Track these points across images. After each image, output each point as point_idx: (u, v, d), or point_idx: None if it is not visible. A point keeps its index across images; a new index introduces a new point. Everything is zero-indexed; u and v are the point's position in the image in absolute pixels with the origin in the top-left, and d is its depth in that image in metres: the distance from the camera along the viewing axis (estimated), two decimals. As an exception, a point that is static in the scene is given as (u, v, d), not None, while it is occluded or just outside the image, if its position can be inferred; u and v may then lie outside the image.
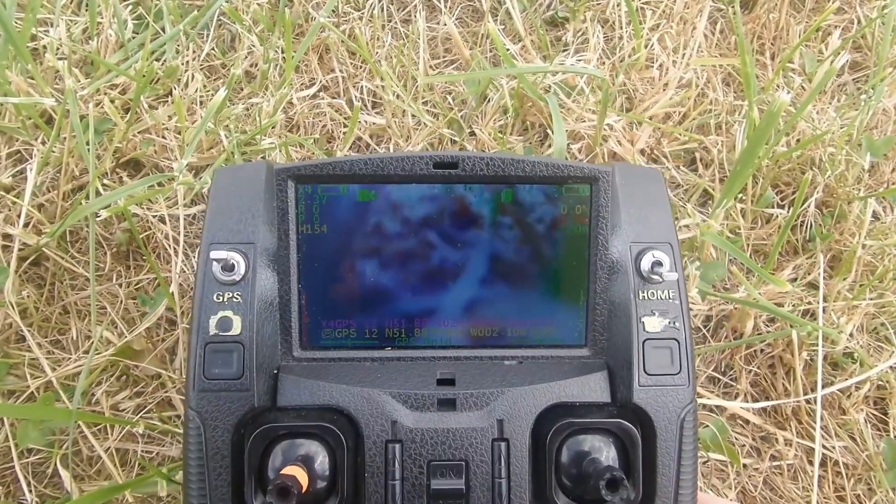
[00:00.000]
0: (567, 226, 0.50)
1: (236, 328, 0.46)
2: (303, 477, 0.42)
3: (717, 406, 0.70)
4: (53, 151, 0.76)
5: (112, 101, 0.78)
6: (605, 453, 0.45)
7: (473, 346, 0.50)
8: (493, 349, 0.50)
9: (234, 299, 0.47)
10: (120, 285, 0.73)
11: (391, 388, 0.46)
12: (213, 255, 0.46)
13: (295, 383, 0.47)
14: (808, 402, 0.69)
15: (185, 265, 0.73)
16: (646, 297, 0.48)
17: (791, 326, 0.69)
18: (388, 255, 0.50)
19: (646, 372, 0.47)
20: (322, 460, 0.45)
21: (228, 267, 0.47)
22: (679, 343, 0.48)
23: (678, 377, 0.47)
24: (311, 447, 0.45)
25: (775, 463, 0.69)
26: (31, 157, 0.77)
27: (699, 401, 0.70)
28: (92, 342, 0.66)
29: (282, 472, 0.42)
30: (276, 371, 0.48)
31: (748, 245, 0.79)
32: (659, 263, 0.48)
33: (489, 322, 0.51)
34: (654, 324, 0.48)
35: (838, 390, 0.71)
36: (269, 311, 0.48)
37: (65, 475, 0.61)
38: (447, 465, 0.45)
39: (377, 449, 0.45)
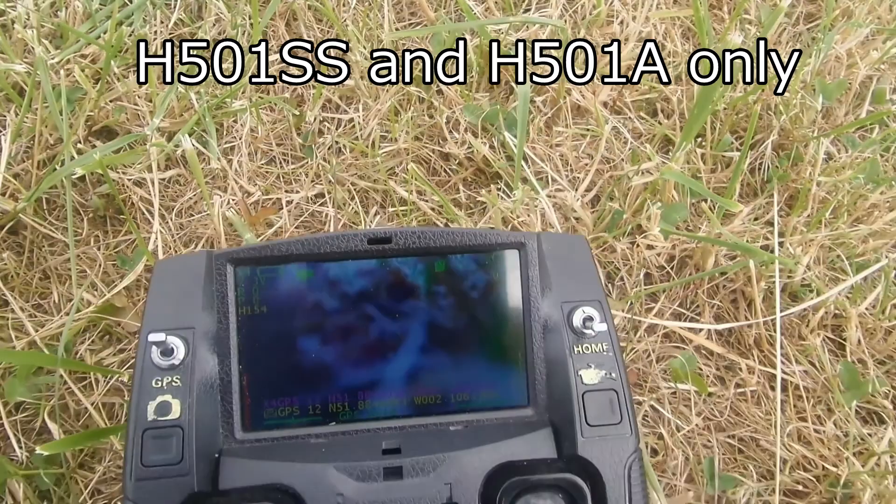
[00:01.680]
0: (500, 291, 0.52)
1: (175, 412, 0.46)
2: None
3: (683, 339, 0.73)
4: (25, 121, 0.77)
5: (83, 70, 0.79)
6: None
7: (418, 414, 0.51)
8: (437, 416, 0.51)
9: (174, 383, 0.47)
10: (98, 248, 0.74)
11: (336, 462, 0.46)
12: (152, 338, 0.46)
13: (237, 465, 0.46)
14: (767, 330, 0.72)
15: (162, 226, 0.75)
16: (581, 352, 0.51)
17: (749, 258, 0.72)
18: (328, 331, 0.51)
19: (588, 423, 0.48)
20: None
21: (167, 351, 0.47)
22: (618, 393, 0.49)
23: (620, 426, 0.48)
24: None
25: (739, 390, 0.72)
26: (4, 128, 0.78)
27: (666, 329, 0.73)
28: (73, 302, 0.68)
29: None
30: (217, 455, 0.47)
31: (708, 188, 0.81)
32: (590, 318, 0.51)
33: (432, 390, 0.51)
34: (591, 376, 0.50)
35: (797, 319, 0.75)
36: (209, 394, 0.48)
37: (53, 427, 0.63)
38: None
39: None
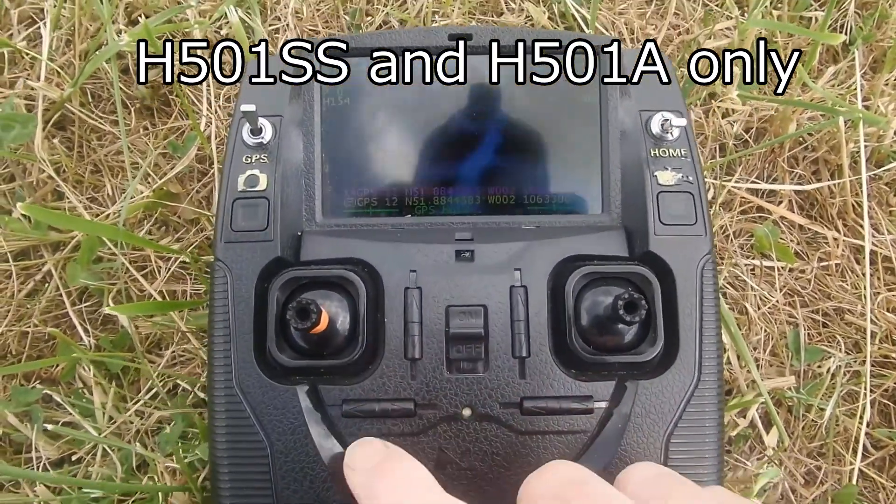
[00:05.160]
0: (577, 94, 0.51)
1: (262, 184, 0.48)
2: (324, 317, 0.42)
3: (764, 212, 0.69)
4: (63, 10, 0.74)
5: (118, -48, 0.75)
6: None
7: (491, 213, 0.50)
8: (510, 216, 0.50)
9: (262, 160, 0.49)
10: (147, 138, 0.72)
11: (411, 243, 0.47)
12: (244, 108, 0.47)
13: (317, 241, 0.48)
14: (854, 196, 0.68)
15: (211, 113, 0.72)
16: (657, 155, 0.49)
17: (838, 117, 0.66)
18: (407, 127, 0.51)
19: (661, 222, 0.47)
20: (343, 308, 0.46)
21: (257, 131, 0.49)
22: (693, 196, 0.48)
23: (695, 227, 0.47)
24: (333, 296, 0.46)
25: (823, 263, 0.68)
26: (44, 17, 0.75)
27: (743, 205, 0.69)
28: (127, 193, 0.66)
29: None
30: (299, 234, 0.49)
31: (786, 54, 0.76)
32: (669, 122, 0.49)
33: (506, 190, 0.51)
34: (667, 177, 0.48)
35: (885, 186, 0.70)
36: (294, 176, 0.50)
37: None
38: (466, 309, 0.45)
39: (396, 296, 0.45)
